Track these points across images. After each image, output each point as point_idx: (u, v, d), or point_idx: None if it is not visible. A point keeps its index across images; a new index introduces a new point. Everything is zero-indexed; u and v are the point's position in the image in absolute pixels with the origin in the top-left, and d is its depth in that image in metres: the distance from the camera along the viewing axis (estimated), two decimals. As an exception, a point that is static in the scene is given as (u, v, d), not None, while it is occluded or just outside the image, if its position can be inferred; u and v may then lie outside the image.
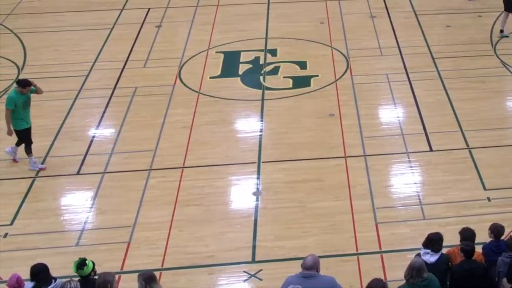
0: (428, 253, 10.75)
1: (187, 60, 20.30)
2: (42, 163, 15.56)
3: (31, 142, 15.39)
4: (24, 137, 15.33)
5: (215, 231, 13.70)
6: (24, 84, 15.03)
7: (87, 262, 10.30)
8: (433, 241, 10.83)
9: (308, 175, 15.29)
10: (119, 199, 14.66)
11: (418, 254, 10.80)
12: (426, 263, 10.47)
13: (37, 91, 15.37)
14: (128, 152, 16.17)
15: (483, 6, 23.23)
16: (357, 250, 13.21)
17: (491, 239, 11.27)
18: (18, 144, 15.47)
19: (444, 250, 10.97)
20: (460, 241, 11.03)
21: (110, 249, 13.26)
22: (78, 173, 15.46)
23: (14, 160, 15.62)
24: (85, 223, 13.96)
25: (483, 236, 11.47)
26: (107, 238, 13.54)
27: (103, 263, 12.63)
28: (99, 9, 23.81)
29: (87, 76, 19.35)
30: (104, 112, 17.69)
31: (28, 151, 15.35)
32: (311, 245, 13.19)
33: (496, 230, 11.26)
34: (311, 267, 9.84)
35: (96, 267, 10.54)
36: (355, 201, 14.34)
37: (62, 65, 20.03)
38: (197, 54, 20.65)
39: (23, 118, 15.17)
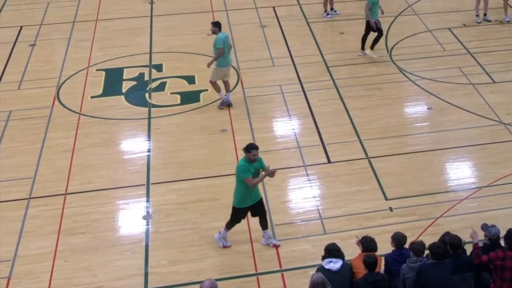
0: (331, 261, 10.97)
1: (66, 80, 20.07)
2: None
3: (264, 213, 13.73)
4: (239, 216, 13.64)
5: (103, 260, 13.58)
6: (248, 148, 13.20)
7: None
8: (332, 251, 11.11)
9: (202, 194, 15.35)
10: (-4, 231, 14.37)
11: (321, 267, 10.95)
12: (331, 271, 10.70)
13: (266, 171, 13.28)
14: (4, 180, 15.87)
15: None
16: (256, 270, 13.31)
17: (394, 248, 11.57)
18: (228, 228, 13.80)
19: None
20: (362, 251, 11.31)
21: (-11, 286, 12.99)
22: (-51, 206, 15.08)
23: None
24: (-41, 260, 13.63)
25: (387, 247, 11.78)
26: (-15, 275, 13.25)
27: (-19, 302, 12.41)
28: (-34, 29, 23.38)
29: (-45, 101, 18.93)
30: (-24, 139, 17.32)
31: (264, 226, 13.81)
32: (208, 268, 13.27)
33: (397, 240, 11.58)
34: (210, 292, 9.88)
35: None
36: (252, 219, 14.41)
37: None
38: (76, 73, 20.45)
39: (249, 195, 13.36)
